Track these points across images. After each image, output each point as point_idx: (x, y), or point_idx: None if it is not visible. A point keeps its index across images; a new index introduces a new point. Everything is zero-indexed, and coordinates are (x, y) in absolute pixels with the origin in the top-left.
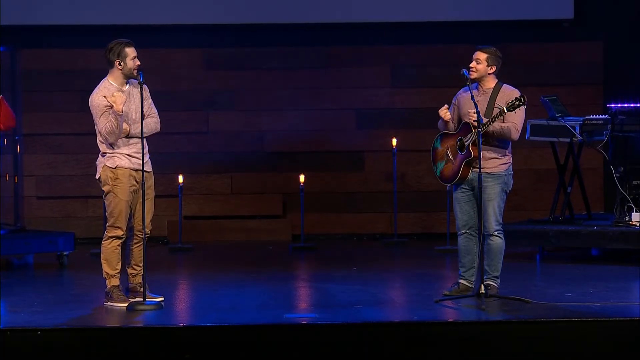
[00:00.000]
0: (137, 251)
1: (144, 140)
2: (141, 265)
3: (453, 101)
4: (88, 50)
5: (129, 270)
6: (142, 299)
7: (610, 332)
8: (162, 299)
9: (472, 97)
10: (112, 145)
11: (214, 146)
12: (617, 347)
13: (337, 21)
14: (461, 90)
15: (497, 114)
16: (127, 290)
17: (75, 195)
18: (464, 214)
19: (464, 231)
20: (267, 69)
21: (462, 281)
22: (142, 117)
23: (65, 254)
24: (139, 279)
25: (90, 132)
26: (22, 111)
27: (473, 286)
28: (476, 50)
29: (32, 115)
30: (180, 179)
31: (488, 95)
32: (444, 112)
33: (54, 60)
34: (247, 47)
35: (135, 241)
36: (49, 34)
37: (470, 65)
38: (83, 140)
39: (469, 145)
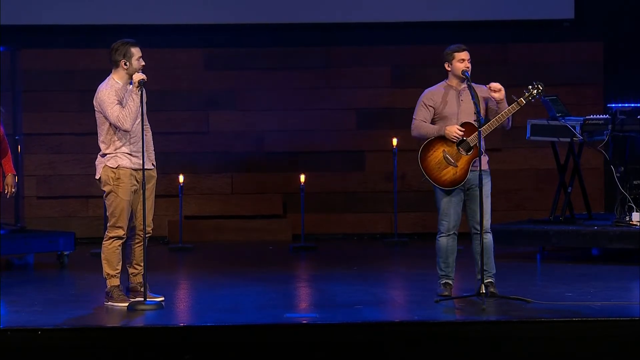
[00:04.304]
0: (139, 251)
1: (148, 138)
2: (142, 264)
3: (428, 104)
4: (88, 50)
5: (130, 270)
6: (142, 299)
7: (610, 332)
8: (162, 298)
9: (473, 97)
10: (114, 143)
11: (214, 146)
12: (617, 347)
13: (337, 21)
14: (431, 90)
15: (513, 109)
16: (128, 290)
17: (76, 195)
18: (456, 215)
19: (453, 232)
20: (267, 69)
21: (448, 280)
22: (143, 117)
23: (65, 253)
24: (140, 279)
25: (90, 132)
26: (22, 111)
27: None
28: (464, 50)
29: (32, 115)
30: (181, 178)
31: (466, 92)
32: (460, 133)
33: (54, 60)
34: (247, 47)
35: (136, 241)
36: (49, 34)
37: (468, 65)
38: (83, 140)
39: (475, 144)
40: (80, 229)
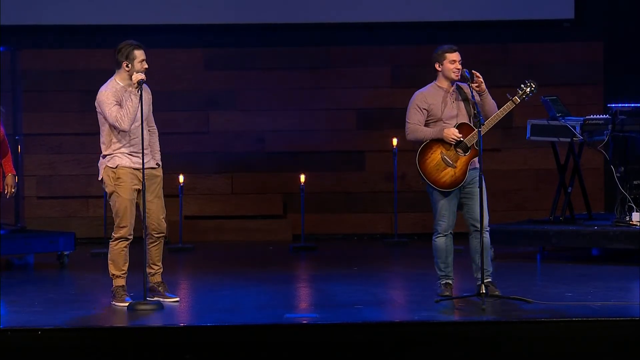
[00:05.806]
0: (154, 250)
1: (154, 138)
2: (159, 264)
3: (421, 107)
4: (88, 50)
5: (147, 270)
6: (143, 299)
7: (610, 332)
8: (177, 299)
9: (473, 97)
10: (113, 144)
11: (214, 146)
12: (617, 347)
13: (337, 21)
14: (423, 92)
15: (509, 107)
16: (149, 290)
17: (76, 195)
18: (452, 216)
19: (449, 232)
20: (267, 69)
21: (448, 280)
22: (142, 118)
23: (65, 253)
24: (158, 278)
25: (90, 132)
26: (22, 111)
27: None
28: (455, 51)
29: (32, 115)
30: (181, 178)
31: (457, 92)
32: (459, 136)
33: (54, 60)
34: (247, 47)
35: (150, 240)
36: (49, 34)
37: (459, 67)
38: (83, 140)
39: (472, 145)
40: (80, 229)
